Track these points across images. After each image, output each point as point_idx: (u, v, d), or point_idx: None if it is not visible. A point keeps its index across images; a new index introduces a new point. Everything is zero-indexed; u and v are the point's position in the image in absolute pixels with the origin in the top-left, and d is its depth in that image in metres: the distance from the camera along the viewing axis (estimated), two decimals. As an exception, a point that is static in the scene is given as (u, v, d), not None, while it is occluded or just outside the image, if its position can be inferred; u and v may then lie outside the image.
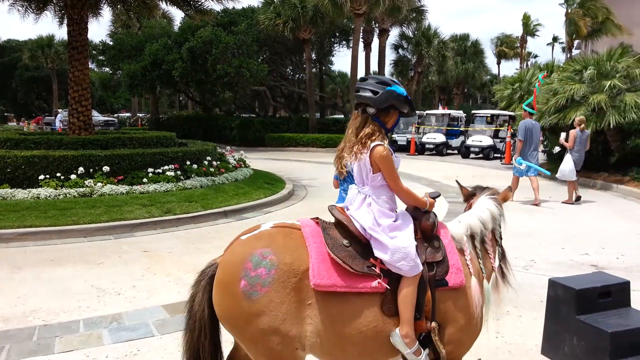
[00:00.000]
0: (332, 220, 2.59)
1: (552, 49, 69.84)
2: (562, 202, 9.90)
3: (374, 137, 2.50)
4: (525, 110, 10.22)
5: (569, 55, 34.20)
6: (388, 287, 2.35)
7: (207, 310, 2.39)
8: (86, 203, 8.14)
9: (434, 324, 2.41)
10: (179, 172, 10.09)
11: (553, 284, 3.56)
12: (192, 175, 10.33)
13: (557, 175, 10.31)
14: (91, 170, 9.11)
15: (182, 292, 4.96)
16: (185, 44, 24.88)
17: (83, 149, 9.95)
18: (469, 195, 2.91)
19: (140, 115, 44.91)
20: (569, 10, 29.94)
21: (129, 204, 8.29)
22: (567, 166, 9.87)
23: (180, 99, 48.94)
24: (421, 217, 2.55)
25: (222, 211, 8.70)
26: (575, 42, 34.94)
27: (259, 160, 17.01)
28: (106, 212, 7.83)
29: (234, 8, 25.67)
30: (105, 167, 9.15)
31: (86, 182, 8.70)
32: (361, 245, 2.42)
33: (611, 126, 11.16)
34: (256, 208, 9.33)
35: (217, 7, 19.63)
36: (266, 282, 2.23)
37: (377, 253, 2.38)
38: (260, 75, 25.02)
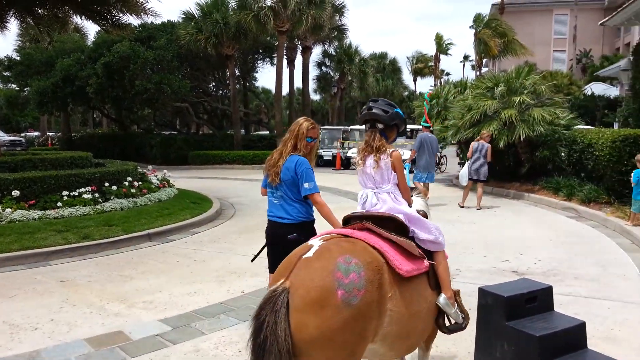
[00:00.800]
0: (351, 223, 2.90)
1: (464, 66, 74.22)
2: (460, 205, 11.15)
3: (386, 146, 3.04)
4: (423, 126, 12.20)
5: (478, 73, 36.43)
6: (432, 263, 2.87)
7: (291, 340, 2.16)
8: (-7, 231, 7.46)
9: (458, 288, 3.01)
10: (96, 195, 9.55)
11: (483, 293, 3.68)
12: (112, 197, 9.82)
13: (458, 180, 12.08)
14: (-2, 195, 8.39)
15: (106, 323, 4.65)
16: (100, 59, 23.78)
17: (-12, 172, 9.15)
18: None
19: (50, 134, 42.26)
20: (479, 31, 31.98)
21: (42, 230, 7.70)
22: (463, 172, 11.33)
23: (95, 116, 46.58)
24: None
25: (146, 234, 8.29)
26: (484, 61, 37.31)
27: (183, 179, 16.51)
28: (17, 240, 7.20)
29: (152, 23, 25.02)
30: (15, 191, 8.47)
31: (-8, 208, 7.99)
32: (405, 234, 2.83)
33: (521, 139, 11.94)
34: (182, 229, 8.99)
35: (135, 22, 19.00)
36: (361, 285, 2.28)
37: (423, 235, 2.88)
38: (182, 91, 24.41)
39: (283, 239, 3.72)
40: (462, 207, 10.98)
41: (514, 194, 12.60)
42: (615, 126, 16.81)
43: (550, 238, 7.88)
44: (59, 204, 8.86)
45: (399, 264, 2.56)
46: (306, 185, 3.61)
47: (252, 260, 4.11)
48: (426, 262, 2.82)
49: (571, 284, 5.54)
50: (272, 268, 4.01)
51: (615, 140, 9.43)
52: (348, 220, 2.93)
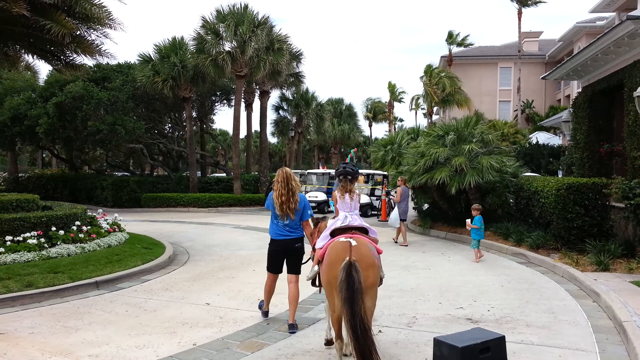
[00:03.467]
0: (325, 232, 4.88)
1: (416, 114, 76.88)
2: (394, 241, 12.71)
3: (354, 189, 4.95)
4: None
5: (430, 121, 37.85)
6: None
7: (361, 276, 4.09)
8: None
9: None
10: (42, 240, 9.15)
11: (438, 343, 3.72)
12: (59, 243, 9.43)
13: (389, 223, 13.41)
14: None
15: (46, 381, 4.36)
16: (52, 99, 23.26)
17: None
18: (318, 221, 5.71)
19: (-5, 173, 40.43)
20: (423, 82, 33.56)
21: (-20, 278, 7.25)
22: (393, 215, 12.94)
23: (44, 155, 45.06)
24: None
25: (94, 282, 7.95)
26: (435, 109, 38.85)
27: (136, 223, 16.06)
28: (-50, 290, 6.76)
29: (108, 64, 24.80)
30: (-48, 236, 7.99)
31: None
32: (367, 234, 4.77)
33: (472, 185, 12.35)
34: (132, 277, 8.66)
35: (90, 62, 18.82)
36: (378, 257, 4.53)
37: (371, 233, 4.81)
38: (137, 132, 24.08)
39: (291, 246, 5.90)
40: (397, 242, 12.65)
41: (467, 239, 12.86)
42: (560, 174, 17.68)
43: (502, 284, 8.06)
44: (1, 249, 8.43)
45: (376, 245, 4.72)
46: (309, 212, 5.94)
47: (309, 279, 5.35)
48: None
49: (523, 331, 5.65)
50: (273, 269, 6.04)
51: (560, 188, 9.89)
52: (338, 231, 4.69)
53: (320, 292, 5.31)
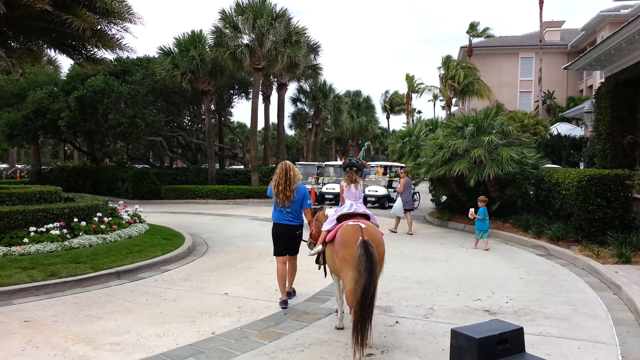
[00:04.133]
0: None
1: (434, 105, 76.09)
2: (390, 230, 12.96)
3: (359, 180, 5.62)
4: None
5: (448, 112, 37.45)
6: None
7: (375, 252, 4.63)
8: (-47, 269, 7.19)
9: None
10: (65, 231, 9.33)
11: (455, 334, 3.70)
12: (81, 234, 9.61)
13: (390, 212, 13.90)
14: (-39, 230, 8.12)
15: (70, 367, 4.47)
16: (73, 93, 23.62)
17: (-49, 207, 8.88)
18: (316, 211, 6.33)
19: (19, 166, 41.31)
20: (441, 74, 33.20)
21: (6, 267, 7.46)
22: (397, 205, 13.43)
23: (66, 149, 45.83)
24: None
25: (115, 272, 8.09)
26: (454, 100, 38.42)
27: (156, 214, 16.28)
28: (-22, 278, 6.95)
29: (128, 57, 25.01)
30: (-21, 226, 8.21)
31: (-46, 245, 7.72)
32: (369, 219, 5.26)
33: (491, 177, 12.21)
34: (152, 267, 8.80)
35: (111, 56, 18.99)
36: (382, 237, 5.08)
37: (372, 219, 5.27)
38: (156, 125, 24.32)
39: (292, 233, 6.53)
40: (395, 232, 13.12)
41: (486, 232, 12.77)
42: (581, 166, 17.39)
43: (521, 276, 7.99)
44: (26, 240, 8.62)
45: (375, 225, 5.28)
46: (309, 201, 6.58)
47: (311, 254, 5.93)
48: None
49: (542, 323, 5.60)
50: (279, 252, 6.57)
51: (582, 180, 9.74)
52: (344, 216, 5.22)
53: (319, 268, 5.98)
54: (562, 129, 24.34)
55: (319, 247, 5.60)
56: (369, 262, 4.48)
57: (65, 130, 25.04)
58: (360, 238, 4.65)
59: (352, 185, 5.49)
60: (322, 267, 5.90)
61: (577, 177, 9.94)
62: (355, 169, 5.65)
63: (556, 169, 13.07)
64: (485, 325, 3.82)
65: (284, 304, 6.33)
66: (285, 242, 6.51)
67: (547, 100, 36.21)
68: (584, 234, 9.85)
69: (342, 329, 5.42)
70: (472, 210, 10.86)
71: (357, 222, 4.95)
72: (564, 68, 16.97)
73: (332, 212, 5.58)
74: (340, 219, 5.21)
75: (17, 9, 10.07)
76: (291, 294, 6.72)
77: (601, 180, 9.62)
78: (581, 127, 24.68)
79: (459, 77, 31.70)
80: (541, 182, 12.31)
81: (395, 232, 13.00)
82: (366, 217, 5.24)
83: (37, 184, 20.43)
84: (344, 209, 5.33)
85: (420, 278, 7.89)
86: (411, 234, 12.77)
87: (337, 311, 5.65)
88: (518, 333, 3.64)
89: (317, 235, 5.87)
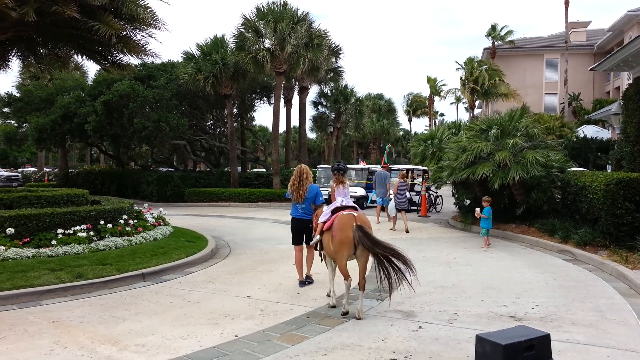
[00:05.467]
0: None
1: (457, 108, 75.37)
2: (390, 229, 14.20)
3: (346, 181, 6.85)
4: (382, 166, 18.29)
5: (471, 115, 37.05)
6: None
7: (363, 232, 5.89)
8: (-15, 269, 7.38)
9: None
10: (91, 233, 9.51)
11: (480, 340, 3.65)
12: (107, 236, 9.78)
13: (387, 211, 15.40)
14: (-8, 232, 8.34)
15: (97, 367, 4.55)
16: (100, 97, 24.11)
17: (-17, 210, 9.13)
18: (316, 208, 7.45)
19: (48, 170, 42.29)
20: (463, 76, 32.81)
21: (35, 268, 7.63)
22: (391, 205, 14.81)
23: (92, 152, 46.77)
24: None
25: (140, 274, 8.21)
26: (477, 102, 37.99)
27: (179, 217, 16.48)
28: (9, 279, 7.13)
29: (152, 62, 25.50)
30: (10, 228, 8.44)
31: (-15, 246, 7.93)
32: (356, 210, 6.39)
33: (515, 181, 12.03)
34: (177, 269, 8.91)
35: (136, 62, 19.34)
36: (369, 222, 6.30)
37: (359, 210, 6.34)
38: (180, 129, 24.65)
39: (305, 226, 7.68)
40: (394, 229, 14.24)
41: (511, 236, 12.60)
42: (609, 169, 17.00)
43: (547, 281, 7.84)
44: (54, 242, 8.81)
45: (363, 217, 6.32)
46: (321, 198, 7.58)
47: (312, 244, 7.14)
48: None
49: (569, 330, 5.49)
50: (295, 242, 7.84)
51: (609, 183, 9.51)
52: (337, 209, 6.38)
53: (319, 254, 6.87)
54: (589, 131, 23.86)
55: (317, 237, 6.57)
56: (367, 235, 5.85)
57: (92, 134, 25.57)
58: (355, 224, 5.92)
59: (341, 185, 6.79)
60: (320, 253, 6.83)
61: (605, 180, 9.72)
62: (342, 172, 6.95)
63: (583, 172, 12.80)
64: (511, 331, 3.76)
65: (301, 284, 7.66)
66: (299, 233, 7.77)
67: (573, 102, 35.55)
68: (611, 239, 9.62)
69: (334, 307, 6.41)
70: (477, 210, 11.65)
71: (350, 212, 6.16)
72: (590, 69, 16.66)
73: (326, 208, 6.71)
74: (335, 211, 6.37)
75: (46, 16, 10.34)
76: (310, 277, 7.84)
77: (629, 184, 9.38)
78: (608, 130, 24.14)
79: (482, 79, 31.32)
80: (567, 185, 12.07)
81: (395, 230, 14.20)
82: (355, 209, 6.37)
83: (64, 187, 20.89)
84: (336, 204, 6.51)
85: (444, 283, 7.81)
86: (407, 232, 13.78)
87: (329, 294, 6.76)
88: (545, 339, 3.57)
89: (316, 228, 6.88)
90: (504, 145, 12.53)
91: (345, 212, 6.17)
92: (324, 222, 6.34)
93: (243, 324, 5.84)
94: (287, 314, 6.22)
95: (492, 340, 3.50)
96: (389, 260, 5.66)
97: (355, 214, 6.09)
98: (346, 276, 6.03)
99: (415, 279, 5.75)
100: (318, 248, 6.80)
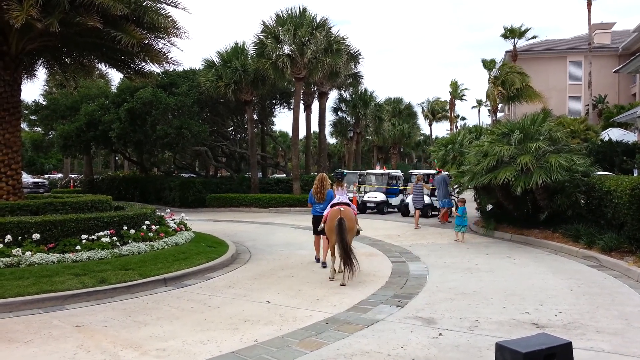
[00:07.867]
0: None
1: (479, 111, 74.57)
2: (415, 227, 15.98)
3: (345, 186, 9.46)
4: (438, 171, 19.07)
5: (494, 118, 36.59)
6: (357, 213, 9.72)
7: (345, 223, 8.15)
8: (13, 274, 7.60)
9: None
10: (115, 238, 9.67)
11: (500, 348, 3.60)
12: (129, 241, 9.93)
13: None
14: (19, 237, 8.59)
15: (119, 372, 4.62)
16: (123, 105, 24.53)
17: (11, 215, 9.37)
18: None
19: (73, 176, 43.16)
20: (489, 80, 32.34)
21: (60, 273, 7.80)
22: (409, 202, 18.06)
23: (117, 159, 47.61)
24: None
25: (162, 279, 8.32)
26: (499, 106, 37.51)
27: (201, 222, 16.65)
28: (35, 283, 7.30)
29: (174, 70, 25.85)
30: (36, 234, 8.65)
31: (13, 251, 8.16)
32: (349, 206, 8.80)
33: (539, 185, 11.83)
34: (198, 274, 9.00)
35: (158, 70, 19.65)
36: (355, 216, 8.72)
37: (351, 205, 8.89)
38: (202, 135, 24.94)
39: (321, 220, 9.10)
40: (418, 227, 15.93)
41: (534, 241, 12.39)
42: (635, 173, 16.62)
43: (571, 288, 7.70)
44: (78, 247, 8.99)
45: (354, 211, 8.87)
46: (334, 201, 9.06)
47: (319, 229, 9.36)
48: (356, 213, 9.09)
49: (593, 337, 5.38)
50: (315, 232, 10.04)
51: (635, 188, 9.31)
52: (334, 204, 8.58)
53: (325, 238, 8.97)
54: (614, 134, 23.32)
55: (322, 225, 8.81)
56: (340, 228, 8.02)
57: (116, 141, 26.02)
58: (339, 216, 8.09)
59: (340, 188, 9.18)
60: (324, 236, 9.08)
61: (630, 184, 9.51)
62: (340, 179, 9.38)
63: (608, 176, 12.53)
64: (532, 339, 3.70)
65: (317, 259, 10.04)
66: (317, 225, 9.65)
67: (598, 105, 34.86)
68: (638, 244, 9.39)
69: (332, 279, 8.36)
70: (452, 208, 15.13)
71: (339, 207, 8.35)
72: (615, 71, 16.36)
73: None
74: (332, 206, 8.61)
75: (70, 26, 10.61)
76: (324, 263, 9.60)
77: (657, 188, 9.16)
78: (634, 133, 23.59)
79: (511, 81, 30.82)
80: (592, 190, 11.83)
81: (419, 228, 15.76)
82: (347, 204, 8.60)
83: (89, 193, 21.31)
84: (335, 200, 8.81)
85: (465, 289, 7.72)
86: (419, 228, 15.69)
87: (329, 267, 8.77)
88: (566, 348, 3.51)
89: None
90: (527, 149, 12.35)
91: (335, 208, 8.40)
92: (326, 215, 8.62)
93: (262, 329, 5.86)
94: (306, 319, 6.23)
95: (512, 348, 3.45)
96: (345, 251, 7.89)
97: (342, 209, 8.25)
98: (332, 253, 8.56)
99: (359, 270, 8.21)
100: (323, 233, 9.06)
